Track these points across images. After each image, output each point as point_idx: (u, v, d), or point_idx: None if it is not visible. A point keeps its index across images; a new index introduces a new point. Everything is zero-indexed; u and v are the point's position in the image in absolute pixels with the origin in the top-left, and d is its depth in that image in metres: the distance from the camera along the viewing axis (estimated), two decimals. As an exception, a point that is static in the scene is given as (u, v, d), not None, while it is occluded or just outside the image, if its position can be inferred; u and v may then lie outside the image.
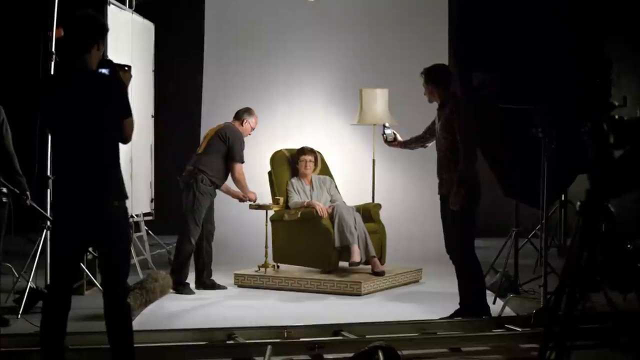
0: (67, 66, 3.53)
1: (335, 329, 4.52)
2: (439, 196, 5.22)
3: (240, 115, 6.43)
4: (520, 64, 5.93)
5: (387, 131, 5.47)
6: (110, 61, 3.53)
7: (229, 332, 4.47)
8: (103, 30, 3.47)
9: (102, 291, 3.53)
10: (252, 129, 6.47)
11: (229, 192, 6.46)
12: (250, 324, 4.90)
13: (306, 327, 4.61)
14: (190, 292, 6.13)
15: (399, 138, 5.53)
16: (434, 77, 5.13)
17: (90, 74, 3.43)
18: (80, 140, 3.37)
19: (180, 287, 6.11)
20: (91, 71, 3.44)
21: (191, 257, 6.23)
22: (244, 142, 6.32)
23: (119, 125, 3.42)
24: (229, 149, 6.24)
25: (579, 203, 2.96)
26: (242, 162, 6.26)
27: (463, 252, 5.07)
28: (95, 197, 3.38)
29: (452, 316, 5.14)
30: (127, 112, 3.43)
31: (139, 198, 6.91)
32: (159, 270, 5.91)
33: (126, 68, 3.53)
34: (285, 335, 4.43)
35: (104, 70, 3.45)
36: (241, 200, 6.43)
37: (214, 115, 7.61)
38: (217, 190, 6.37)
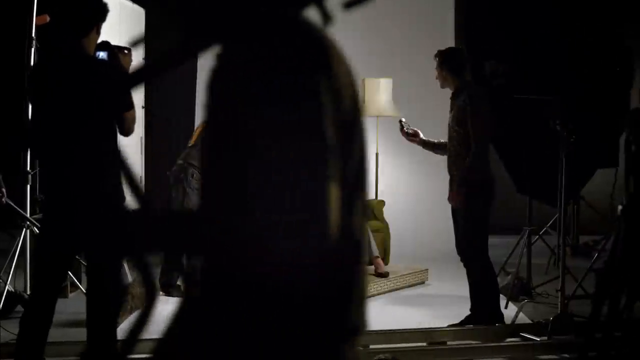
0: (61, 51, 3.23)
1: None
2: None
3: None
4: (535, 52, 5.66)
5: (405, 125, 5.12)
6: (109, 44, 3.26)
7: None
8: (104, 10, 3.22)
9: (86, 298, 3.30)
10: None
11: None
12: None
13: None
14: (181, 295, 5.82)
15: (421, 135, 5.19)
16: (449, 62, 4.82)
17: (88, 61, 3.16)
18: (75, 135, 3.13)
19: (170, 289, 5.83)
20: (89, 57, 3.17)
21: (182, 257, 5.93)
22: None
23: (120, 118, 3.18)
24: None
25: (620, 207, 2.62)
26: None
27: (475, 255, 4.75)
28: (93, 197, 3.13)
29: (462, 323, 4.83)
30: (128, 103, 3.19)
31: (128, 195, 6.62)
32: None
33: (126, 51, 3.29)
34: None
35: (102, 54, 3.22)
36: None
37: None
38: None
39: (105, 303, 3.22)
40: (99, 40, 3.40)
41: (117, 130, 3.22)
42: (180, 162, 6.01)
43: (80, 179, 3.11)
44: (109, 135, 3.17)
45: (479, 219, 4.74)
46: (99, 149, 3.13)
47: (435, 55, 4.89)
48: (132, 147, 6.90)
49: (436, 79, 4.92)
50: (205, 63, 7.94)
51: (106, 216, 3.09)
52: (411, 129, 5.10)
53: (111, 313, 3.27)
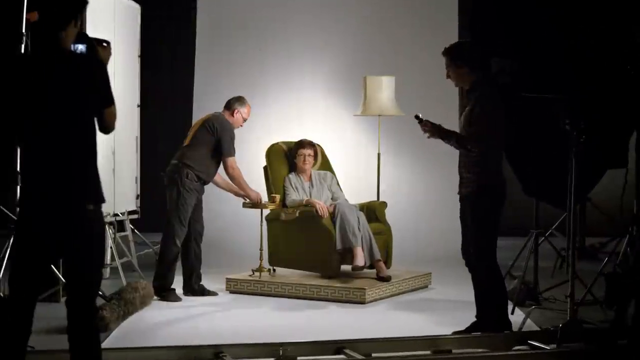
0: (39, 46, 3.18)
1: (338, 346, 4.20)
2: (458, 196, 4.80)
3: (231, 105, 6.01)
4: (543, 50, 5.49)
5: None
6: (86, 35, 3.18)
7: (217, 349, 4.11)
8: (83, 2, 3.13)
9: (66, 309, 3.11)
10: (244, 119, 6.08)
11: (230, 189, 6.06)
12: (241, 337, 4.58)
13: (304, 345, 4.26)
14: (177, 299, 5.70)
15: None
16: (466, 56, 4.55)
17: (66, 54, 3.06)
18: (54, 132, 2.99)
19: (165, 294, 5.68)
20: (67, 51, 3.07)
21: (177, 260, 5.80)
22: (234, 134, 5.93)
23: (100, 114, 3.06)
24: (217, 141, 5.81)
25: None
26: (232, 155, 5.87)
27: (482, 259, 4.57)
28: (69, 198, 3.00)
29: (468, 330, 4.65)
30: (108, 98, 3.06)
31: (124, 195, 6.54)
32: (139, 280, 5.51)
33: (105, 44, 3.17)
34: (281, 353, 4.11)
35: (80, 47, 3.11)
36: (241, 196, 6.08)
37: (206, 104, 7.48)
38: (219, 188, 6.14)
39: (87, 313, 3.07)
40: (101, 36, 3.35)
41: (97, 127, 3.11)
42: (174, 162, 5.86)
43: (57, 177, 2.99)
44: (87, 132, 3.04)
45: (487, 222, 4.57)
46: (78, 146, 3.02)
47: (445, 52, 4.61)
48: (127, 146, 6.90)
49: (447, 78, 4.65)
50: (202, 62, 7.95)
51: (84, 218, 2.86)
52: (429, 122, 4.64)
53: (93, 321, 3.11)
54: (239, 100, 6.01)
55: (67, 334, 3.04)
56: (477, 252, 4.60)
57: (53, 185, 2.99)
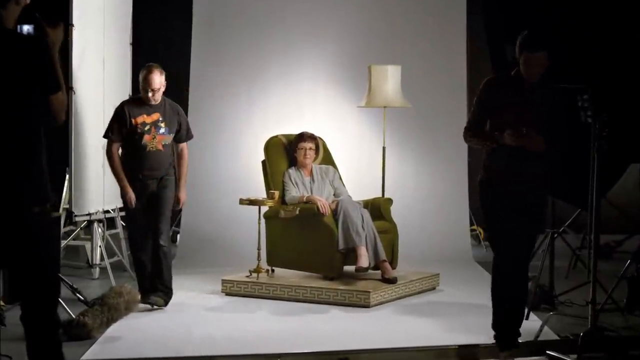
0: None
1: (341, 356, 4.19)
2: (480, 192, 4.37)
3: None
4: (563, 37, 5.23)
5: None
6: (35, 15, 2.94)
7: (210, 362, 3.99)
8: None
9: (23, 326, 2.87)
10: (145, 90, 5.28)
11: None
12: (237, 345, 4.45)
13: (304, 356, 4.18)
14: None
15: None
16: (546, 43, 4.17)
17: (5, 34, 2.81)
18: None
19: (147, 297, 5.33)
20: (7, 30, 2.82)
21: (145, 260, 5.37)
22: (116, 113, 5.31)
23: (44, 102, 2.81)
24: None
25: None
26: (106, 137, 5.30)
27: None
28: (8, 200, 2.76)
29: None
30: (54, 84, 2.82)
31: (113, 190, 6.27)
32: (123, 284, 5.23)
33: (56, 25, 2.92)
34: (279, 365, 4.02)
35: (27, 27, 2.86)
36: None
37: (202, 94, 7.45)
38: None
39: (44, 329, 2.84)
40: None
41: (44, 117, 2.87)
42: None
43: None
44: (28, 123, 2.80)
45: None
46: (16, 140, 2.77)
47: (532, 43, 4.12)
48: None
49: (534, 72, 4.16)
50: (199, 50, 7.77)
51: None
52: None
53: (55, 337, 2.89)
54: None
55: (27, 354, 2.81)
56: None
57: None
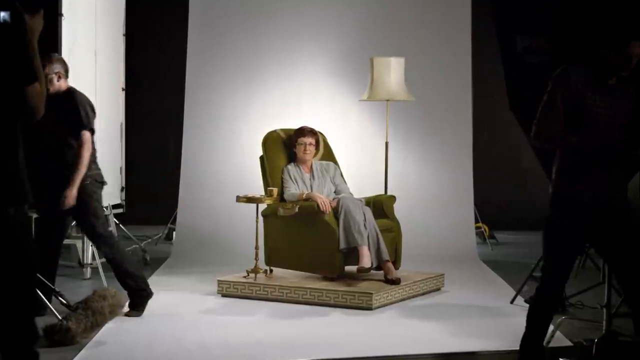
0: None
1: None
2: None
3: None
4: (577, 24, 5.03)
5: None
6: (12, 1, 2.77)
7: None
8: None
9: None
10: (53, 73, 4.92)
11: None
12: (233, 352, 4.29)
13: None
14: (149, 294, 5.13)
15: None
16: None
17: None
18: None
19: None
20: None
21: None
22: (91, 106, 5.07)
23: (19, 95, 2.66)
24: None
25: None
26: (91, 129, 4.97)
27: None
28: None
29: None
30: (29, 75, 2.66)
31: (106, 188, 6.20)
32: (107, 287, 5.09)
33: (35, 12, 2.76)
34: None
35: (3, 14, 2.74)
36: None
37: (199, 88, 7.44)
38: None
39: (20, 339, 2.70)
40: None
41: (19, 111, 2.71)
42: None
43: None
44: (4, 116, 2.65)
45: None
46: None
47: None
48: (111, 134, 6.79)
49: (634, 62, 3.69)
50: (195, 43, 7.69)
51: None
52: None
53: (32, 347, 2.73)
54: None
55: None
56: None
57: None
